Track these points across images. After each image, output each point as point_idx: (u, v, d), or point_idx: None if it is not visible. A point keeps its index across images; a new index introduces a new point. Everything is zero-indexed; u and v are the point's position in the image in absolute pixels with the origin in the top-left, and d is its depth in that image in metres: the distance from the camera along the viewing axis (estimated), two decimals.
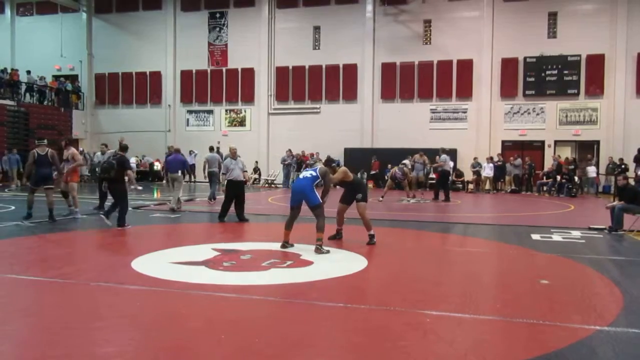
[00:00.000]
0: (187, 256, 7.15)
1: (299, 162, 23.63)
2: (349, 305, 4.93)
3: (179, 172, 13.46)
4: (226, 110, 27.93)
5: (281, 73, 26.81)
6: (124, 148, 10.74)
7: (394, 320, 4.52)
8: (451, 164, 19.37)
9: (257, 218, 11.98)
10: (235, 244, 8.36)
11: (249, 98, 27.39)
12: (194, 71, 28.18)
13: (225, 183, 11.14)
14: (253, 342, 3.92)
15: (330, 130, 25.22)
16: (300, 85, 26.54)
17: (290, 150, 24.31)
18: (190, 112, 28.52)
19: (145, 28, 28.68)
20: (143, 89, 29.00)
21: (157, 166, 27.94)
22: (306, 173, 8.07)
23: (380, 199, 16.21)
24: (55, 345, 3.84)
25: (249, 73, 27.28)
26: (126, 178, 10.13)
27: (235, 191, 11.16)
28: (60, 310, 4.70)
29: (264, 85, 26.98)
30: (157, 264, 6.67)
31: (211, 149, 17.61)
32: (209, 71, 28.00)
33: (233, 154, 11.37)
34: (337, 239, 8.72)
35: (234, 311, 4.76)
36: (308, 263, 6.81)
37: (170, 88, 28.43)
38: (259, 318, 4.54)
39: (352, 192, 8.60)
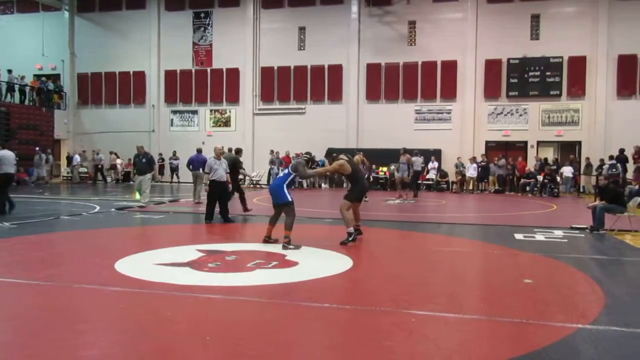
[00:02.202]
0: (171, 257, 7.10)
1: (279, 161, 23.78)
2: (335, 306, 4.93)
3: (200, 169, 14.66)
4: (211, 111, 27.80)
5: (266, 73, 26.76)
6: (238, 151, 13.67)
7: (380, 321, 4.54)
8: (422, 163, 19.95)
9: (242, 219, 11.93)
10: (220, 244, 8.32)
11: (233, 98, 27.30)
12: (178, 71, 28.01)
13: (209, 183, 11.07)
14: (239, 343, 3.91)
15: (316, 131, 25.22)
16: (286, 86, 26.50)
17: (272, 151, 24.59)
18: (174, 112, 28.33)
19: (129, 27, 28.44)
20: (127, 89, 28.74)
21: None
22: (281, 173, 8.31)
23: (366, 199, 16.21)
24: (38, 348, 3.78)
25: (233, 73, 27.18)
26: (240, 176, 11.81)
27: (219, 192, 11.13)
28: (43, 313, 4.63)
29: (249, 85, 26.90)
30: (141, 266, 6.61)
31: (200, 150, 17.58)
32: (193, 71, 27.84)
33: (218, 155, 11.34)
34: (355, 236, 8.58)
35: (220, 313, 4.74)
36: (293, 264, 6.81)
37: (155, 88, 28.22)
38: (245, 319, 4.53)
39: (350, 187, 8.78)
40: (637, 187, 16.58)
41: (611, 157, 19.81)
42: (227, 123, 27.57)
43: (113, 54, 28.50)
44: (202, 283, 5.76)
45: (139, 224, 11.20)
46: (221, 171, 11.06)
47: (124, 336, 4.11)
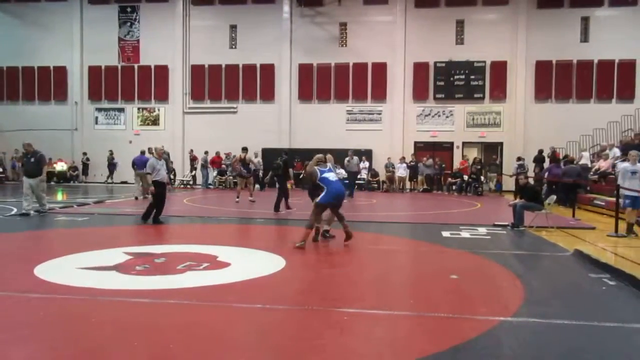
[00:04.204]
0: (96, 261, 6.82)
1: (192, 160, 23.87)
2: (267, 306, 4.91)
3: (144, 169, 15.03)
4: (138, 109, 26.89)
5: (197, 71, 26.22)
6: (287, 153, 14.85)
7: (312, 320, 4.56)
8: (357, 164, 20.38)
9: (173, 220, 11.64)
10: (149, 246, 8.08)
11: (162, 96, 26.55)
12: (103, 67, 26.87)
13: (152, 183, 10.81)
14: (168, 348, 3.80)
15: (248, 130, 24.99)
16: (217, 84, 26.09)
17: (191, 151, 24.81)
18: (99, 109, 27.17)
19: (48, 20, 26.95)
20: (46, 84, 27.23)
21: (63, 166, 26.39)
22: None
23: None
24: None
25: (162, 70, 26.43)
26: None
27: (162, 192, 10.96)
28: None
29: (178, 83, 26.26)
30: (64, 270, 6.30)
31: (147, 151, 18.19)
32: (119, 67, 26.81)
33: (159, 155, 11.15)
34: (326, 237, 8.94)
35: (148, 317, 4.59)
36: (225, 265, 6.72)
37: (77, 84, 26.93)
38: (175, 323, 4.41)
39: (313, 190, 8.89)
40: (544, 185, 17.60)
41: (519, 159, 21.37)
42: (155, 122, 26.76)
43: (31, 48, 26.92)
44: (130, 287, 5.57)
45: (61, 227, 10.65)
46: (163, 172, 10.91)
47: (45, 345, 3.89)
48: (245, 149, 16.06)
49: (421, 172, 23.28)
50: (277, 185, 14.14)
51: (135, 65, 26.64)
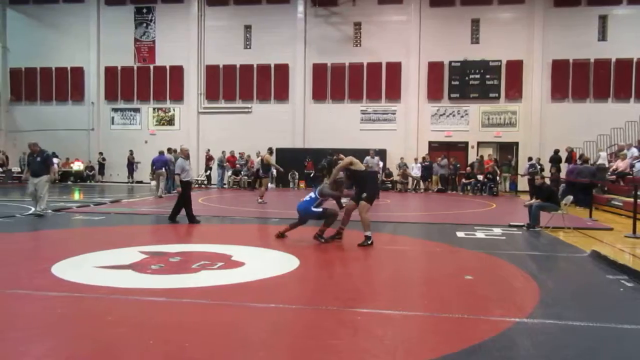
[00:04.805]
0: (112, 260, 6.89)
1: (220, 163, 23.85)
2: (281, 306, 4.92)
3: (163, 168, 17.94)
4: (154, 109, 27.14)
5: (211, 72, 26.39)
6: (332, 154, 15.22)
7: (326, 319, 4.56)
8: (377, 163, 20.10)
9: (186, 219, 11.70)
10: (164, 246, 8.14)
11: (177, 96, 26.76)
12: (119, 68, 27.18)
13: (179, 184, 10.96)
14: (183, 346, 3.83)
15: (262, 130, 25.11)
16: (231, 85, 26.23)
17: (208, 151, 25.04)
18: (115, 110, 27.48)
19: (66, 21, 27.32)
20: (64, 85, 27.61)
21: (80, 166, 26.71)
22: (307, 196, 8.72)
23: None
24: None
25: (177, 71, 26.64)
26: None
27: (188, 192, 11.14)
28: None
29: (193, 83, 26.44)
30: (80, 269, 6.37)
31: (167, 151, 19.39)
32: (135, 68, 27.09)
33: (186, 155, 11.31)
34: (336, 239, 8.55)
35: (163, 315, 4.62)
36: (239, 264, 6.74)
37: (94, 85, 27.26)
38: (189, 322, 4.43)
39: (360, 189, 8.38)
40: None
41: (530, 159, 21.53)
42: (170, 122, 27.00)
43: (49, 49, 27.32)
44: (145, 286, 5.61)
45: (77, 226, 10.78)
46: (192, 172, 11.14)
47: (61, 343, 3.95)
48: (269, 150, 16.79)
49: (435, 172, 23.17)
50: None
51: (151, 66, 26.89)
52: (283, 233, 8.86)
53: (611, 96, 23.32)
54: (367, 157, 19.27)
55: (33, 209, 11.80)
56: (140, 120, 27.26)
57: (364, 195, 8.25)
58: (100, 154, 26.93)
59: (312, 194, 8.70)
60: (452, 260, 7.63)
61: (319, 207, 8.59)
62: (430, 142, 24.79)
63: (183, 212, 11.17)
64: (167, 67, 26.75)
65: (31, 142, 12.50)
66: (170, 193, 18.55)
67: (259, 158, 22.59)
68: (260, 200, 15.68)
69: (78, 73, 27.46)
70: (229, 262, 6.85)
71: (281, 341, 4.04)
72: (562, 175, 19.47)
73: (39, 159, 11.99)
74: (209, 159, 24.86)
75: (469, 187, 22.00)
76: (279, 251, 7.74)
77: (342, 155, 9.27)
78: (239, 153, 24.29)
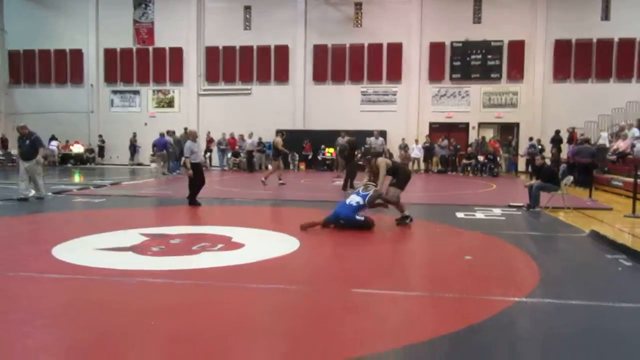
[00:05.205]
0: (113, 242, 6.90)
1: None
2: (282, 286, 4.93)
3: (164, 150, 18.81)
4: (153, 91, 26.99)
5: (211, 53, 26.18)
6: (349, 138, 15.13)
7: (327, 300, 4.58)
8: (381, 144, 20.02)
9: (186, 201, 11.71)
10: (165, 228, 8.15)
11: (177, 78, 26.59)
12: (118, 50, 26.95)
13: (190, 166, 10.83)
14: (185, 328, 3.85)
15: (262, 112, 25.00)
16: (231, 66, 26.04)
17: (208, 133, 24.81)
18: (115, 92, 27.33)
19: (64, 3, 27.02)
20: (62, 67, 27.42)
21: (80, 149, 26.66)
22: (352, 200, 8.14)
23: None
24: None
25: (177, 52, 26.42)
26: None
27: (202, 173, 11.17)
28: None
29: (193, 65, 26.25)
30: (81, 251, 6.39)
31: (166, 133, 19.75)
32: (134, 50, 26.87)
33: (194, 137, 11.27)
34: (407, 223, 8.58)
35: (164, 297, 4.64)
36: (239, 246, 6.76)
37: (93, 67, 27.07)
38: (191, 303, 4.46)
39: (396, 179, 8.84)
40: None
41: (530, 139, 21.54)
42: (170, 104, 26.88)
43: (47, 31, 27.07)
44: (145, 267, 5.63)
45: (78, 208, 10.79)
46: (201, 154, 11.02)
47: (63, 324, 3.97)
48: (278, 132, 17.13)
49: (436, 153, 23.12)
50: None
51: (150, 48, 26.68)
52: (310, 226, 7.95)
53: (613, 76, 23.15)
54: (372, 139, 19.19)
55: (33, 192, 11.77)
56: (139, 103, 27.12)
57: (395, 183, 8.74)
58: (100, 136, 26.88)
59: (357, 200, 8.08)
60: (452, 241, 7.64)
61: (362, 214, 8.10)
62: (430, 123, 24.67)
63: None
64: (167, 49, 26.53)
65: (19, 124, 12.12)
66: (172, 174, 18.88)
67: (251, 140, 22.65)
68: (281, 181, 15.70)
69: (77, 55, 27.25)
70: (229, 244, 6.86)
71: (281, 322, 4.06)
72: (563, 155, 19.45)
73: (27, 142, 11.54)
74: (210, 141, 24.79)
75: (469, 168, 21.97)
76: (280, 233, 7.75)
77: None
78: (240, 135, 24.20)
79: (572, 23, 23.15)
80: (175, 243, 6.95)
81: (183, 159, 11.17)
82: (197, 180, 10.92)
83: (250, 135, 22.94)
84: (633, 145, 15.58)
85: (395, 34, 24.54)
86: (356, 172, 13.90)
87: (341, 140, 18.09)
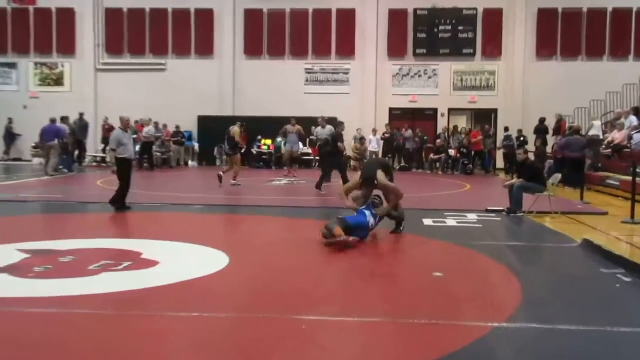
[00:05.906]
0: None
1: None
2: (206, 315, 4.87)
3: (56, 140, 18.17)
4: (36, 64, 26.18)
5: (113, 17, 25.60)
6: (336, 130, 15.23)
7: (264, 330, 4.55)
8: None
9: (83, 207, 11.41)
10: (52, 242, 7.92)
11: (68, 49, 25.87)
12: None
13: (115, 161, 10.82)
14: None
15: (180, 93, 24.60)
16: (140, 35, 25.56)
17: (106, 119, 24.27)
18: None
19: None
20: None
21: None
22: (360, 214, 8.28)
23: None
24: None
25: (67, 15, 25.69)
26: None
27: (129, 172, 11.06)
28: None
29: (89, 32, 25.61)
30: None
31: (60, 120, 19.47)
32: (9, 10, 25.92)
33: (126, 126, 11.17)
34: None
35: (50, 331, 4.50)
36: (152, 264, 6.65)
37: None
38: (84, 337, 4.35)
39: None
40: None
41: (506, 129, 22.25)
42: (59, 81, 26.15)
43: None
44: (25, 294, 5.46)
45: None
46: (131, 147, 11.11)
47: None
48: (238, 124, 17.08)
49: (400, 146, 23.33)
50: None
51: (31, 8, 25.84)
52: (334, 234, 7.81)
53: (607, 54, 24.16)
54: (318, 128, 19.17)
55: None
56: (17, 79, 26.21)
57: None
58: None
59: (369, 217, 8.25)
60: (418, 253, 7.77)
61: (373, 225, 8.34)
62: (391, 109, 25.02)
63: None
64: (53, 10, 25.74)
65: None
66: (64, 172, 18.38)
67: (148, 128, 22.31)
68: (233, 182, 15.61)
69: None
70: (138, 261, 6.75)
71: (207, 358, 4.00)
72: (549, 149, 20.08)
73: None
74: (109, 129, 24.09)
75: (438, 165, 22.42)
76: (204, 246, 7.65)
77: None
78: (154, 122, 23.58)
79: None
80: (67, 261, 6.76)
81: (108, 151, 11.10)
82: (126, 180, 10.93)
83: (157, 124, 22.46)
84: (630, 137, 16.12)
85: None
86: (346, 170, 14.37)
87: (321, 130, 18.04)
